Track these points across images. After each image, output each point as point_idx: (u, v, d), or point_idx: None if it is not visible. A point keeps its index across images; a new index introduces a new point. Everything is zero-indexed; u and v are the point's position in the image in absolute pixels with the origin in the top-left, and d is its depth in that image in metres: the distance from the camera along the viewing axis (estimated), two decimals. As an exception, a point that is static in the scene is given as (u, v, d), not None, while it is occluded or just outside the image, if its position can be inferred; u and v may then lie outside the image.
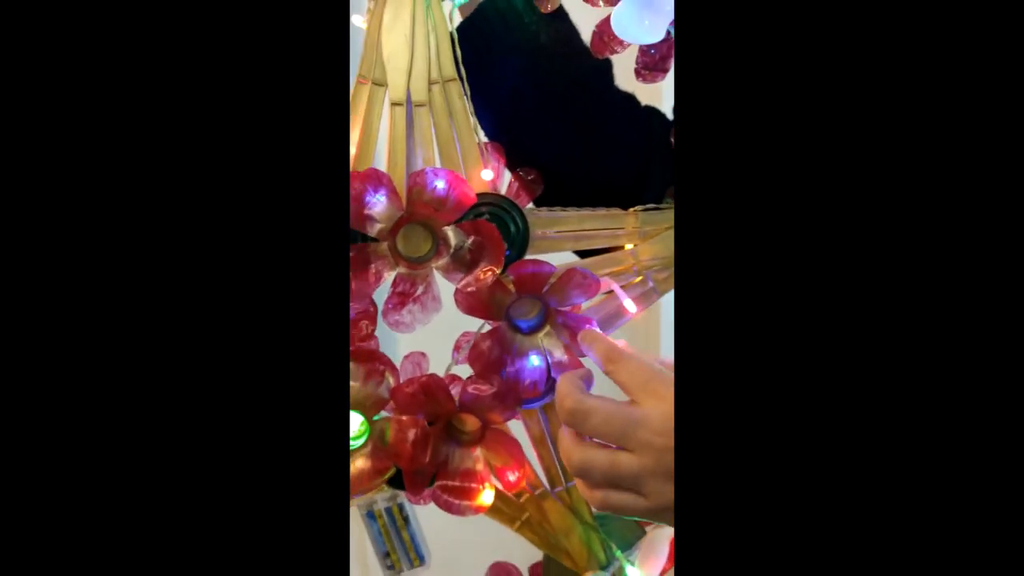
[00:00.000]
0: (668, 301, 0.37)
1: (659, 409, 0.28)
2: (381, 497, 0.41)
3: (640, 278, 0.39)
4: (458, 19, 0.37)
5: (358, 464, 0.37)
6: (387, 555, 0.42)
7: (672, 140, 0.40)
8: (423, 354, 0.41)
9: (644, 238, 0.39)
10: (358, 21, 0.38)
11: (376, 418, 0.37)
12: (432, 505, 0.41)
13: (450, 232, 0.35)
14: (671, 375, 0.29)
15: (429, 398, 0.36)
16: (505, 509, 0.43)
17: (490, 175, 0.36)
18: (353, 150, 0.36)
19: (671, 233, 0.39)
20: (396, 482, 0.38)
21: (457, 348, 0.40)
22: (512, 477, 0.38)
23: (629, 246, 0.39)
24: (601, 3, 0.37)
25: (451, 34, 0.36)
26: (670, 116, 0.41)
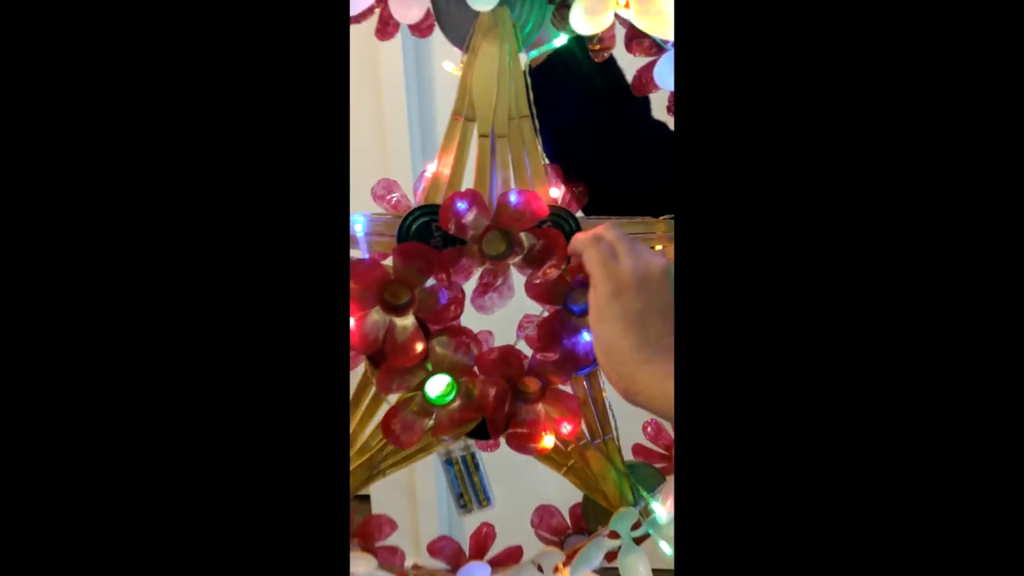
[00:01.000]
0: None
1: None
2: (456, 447, 0.51)
3: (668, 273, 0.49)
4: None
5: (448, 415, 0.47)
6: (460, 496, 0.52)
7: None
8: (490, 332, 0.51)
9: (671, 241, 0.49)
10: (450, 67, 0.47)
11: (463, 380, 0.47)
12: (492, 462, 0.50)
13: (524, 237, 0.45)
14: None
15: (506, 362, 0.46)
16: (556, 458, 0.53)
17: (557, 192, 0.46)
18: (447, 171, 0.46)
19: (693, 237, 0.49)
20: (475, 432, 0.48)
21: (521, 328, 0.50)
22: (566, 428, 0.49)
23: (659, 247, 0.49)
24: (640, 55, 0.46)
25: (526, 80, 0.45)
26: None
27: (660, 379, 0.36)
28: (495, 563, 0.55)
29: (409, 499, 1.18)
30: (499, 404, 0.45)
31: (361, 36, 0.44)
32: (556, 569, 0.55)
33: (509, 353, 0.46)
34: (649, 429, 0.57)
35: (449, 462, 0.52)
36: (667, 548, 0.54)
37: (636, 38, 0.45)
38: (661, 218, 0.48)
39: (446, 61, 0.48)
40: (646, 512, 0.54)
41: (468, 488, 0.53)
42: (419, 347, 0.45)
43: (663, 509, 0.54)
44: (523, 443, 0.48)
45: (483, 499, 0.53)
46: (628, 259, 0.40)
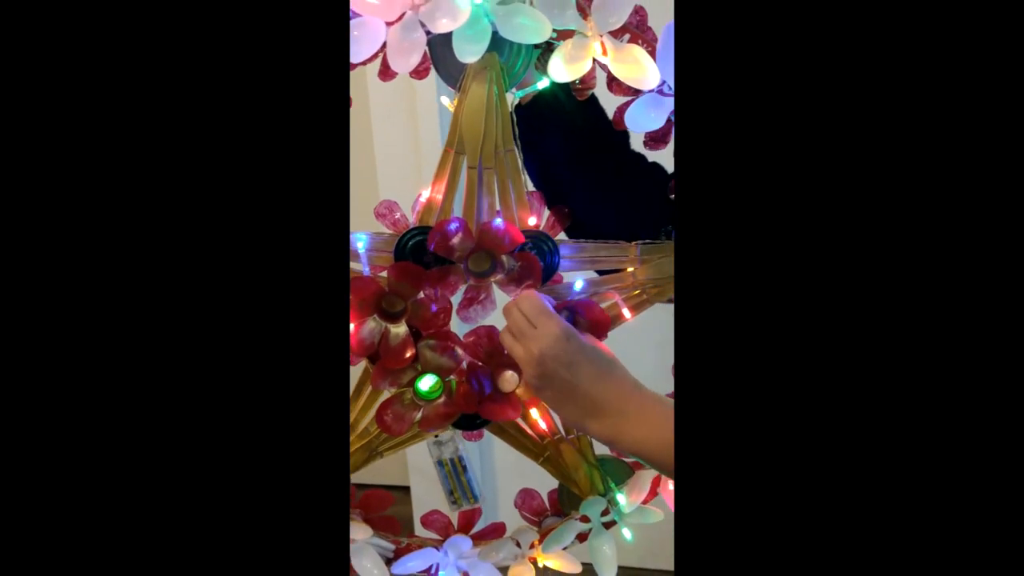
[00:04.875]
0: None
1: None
2: (446, 451, 0.58)
3: (637, 291, 0.54)
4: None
5: (435, 409, 0.54)
6: (451, 493, 0.60)
7: (671, 188, 0.54)
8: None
9: (642, 264, 0.54)
10: (446, 102, 0.53)
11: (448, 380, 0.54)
12: (482, 454, 0.57)
13: (505, 259, 0.51)
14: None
15: (491, 341, 0.52)
16: (533, 448, 0.60)
17: (534, 220, 0.51)
18: (440, 197, 0.51)
19: (663, 260, 0.54)
20: (461, 424, 0.55)
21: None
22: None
23: (630, 269, 0.54)
24: (620, 95, 0.51)
25: (512, 116, 0.50)
26: (670, 170, 0.55)
27: (606, 432, 0.44)
28: (479, 536, 0.62)
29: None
30: (467, 401, 0.52)
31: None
32: (532, 545, 0.62)
33: (495, 333, 0.52)
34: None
35: (440, 463, 0.59)
36: (628, 534, 0.60)
37: (616, 80, 0.50)
38: (633, 243, 0.53)
39: (443, 96, 0.53)
40: (613, 501, 0.60)
41: (457, 487, 0.60)
42: (409, 353, 0.51)
43: (627, 500, 0.60)
44: (496, 415, 0.54)
45: (471, 497, 0.60)
46: (522, 349, 0.46)
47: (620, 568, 0.61)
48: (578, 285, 0.52)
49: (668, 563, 1.27)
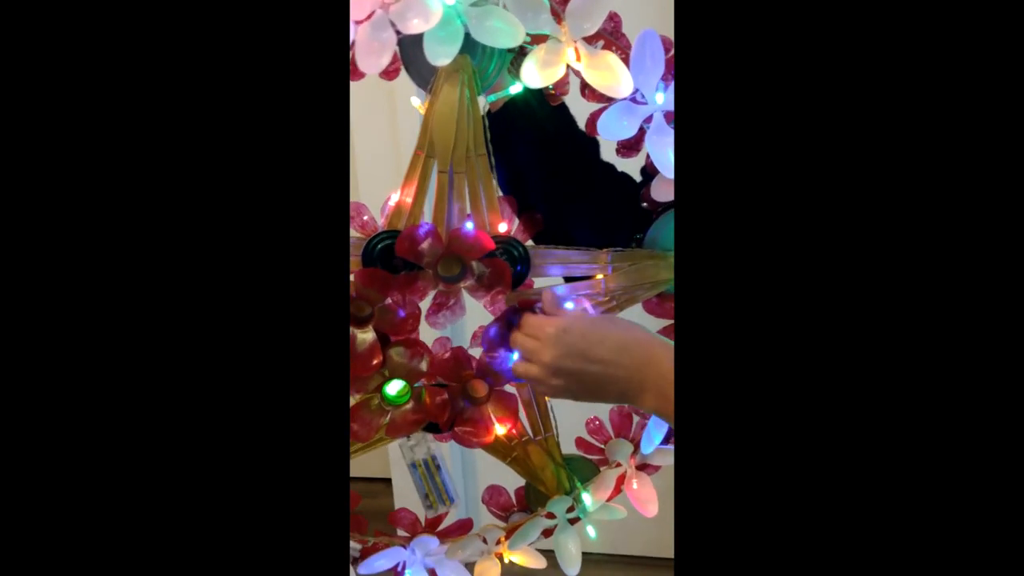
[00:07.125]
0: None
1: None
2: (419, 452, 0.58)
3: (607, 298, 0.55)
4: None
5: (402, 415, 0.53)
6: (426, 496, 0.60)
7: (642, 197, 0.54)
8: (448, 338, 0.57)
9: (613, 271, 0.54)
10: (416, 103, 0.51)
11: (416, 385, 0.53)
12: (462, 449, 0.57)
13: (475, 264, 0.50)
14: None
15: (457, 362, 0.52)
16: (501, 449, 0.60)
17: (505, 227, 0.51)
18: (409, 200, 0.50)
19: (633, 267, 0.54)
20: (430, 428, 0.55)
21: (474, 337, 0.56)
22: (501, 429, 0.55)
23: (600, 276, 0.54)
24: (593, 102, 0.50)
25: (484, 121, 0.49)
26: (638, 179, 0.55)
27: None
28: (446, 534, 0.63)
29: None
30: (442, 409, 0.52)
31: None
32: (499, 542, 0.63)
33: (460, 354, 0.52)
34: (592, 425, 0.63)
35: (413, 465, 0.59)
36: (592, 531, 0.61)
37: (589, 87, 0.49)
38: (604, 250, 0.53)
39: (413, 96, 0.52)
40: (578, 499, 0.62)
41: (432, 489, 0.60)
42: (376, 360, 0.51)
43: (591, 498, 0.61)
44: (468, 440, 0.55)
45: (446, 499, 0.60)
46: (536, 368, 0.47)
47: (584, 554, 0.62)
48: (568, 305, 0.52)
49: (632, 548, 1.31)
